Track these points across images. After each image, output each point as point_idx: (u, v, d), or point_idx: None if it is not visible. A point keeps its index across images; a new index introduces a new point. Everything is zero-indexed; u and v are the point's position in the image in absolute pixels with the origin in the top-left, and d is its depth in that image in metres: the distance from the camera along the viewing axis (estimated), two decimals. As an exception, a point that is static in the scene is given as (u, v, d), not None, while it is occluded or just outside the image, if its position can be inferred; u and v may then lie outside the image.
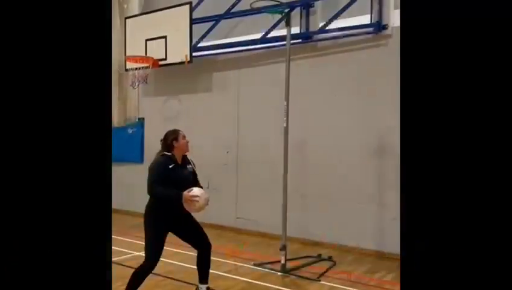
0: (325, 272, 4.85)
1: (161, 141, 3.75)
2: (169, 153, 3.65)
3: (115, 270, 3.11)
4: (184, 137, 3.72)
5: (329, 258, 5.35)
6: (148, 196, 3.63)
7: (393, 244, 5.61)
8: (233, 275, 4.63)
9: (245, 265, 4.91)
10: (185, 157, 3.77)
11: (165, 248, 3.58)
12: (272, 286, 4.39)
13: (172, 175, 3.55)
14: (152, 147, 8.41)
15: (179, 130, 3.77)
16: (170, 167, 3.57)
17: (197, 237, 3.77)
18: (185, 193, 3.46)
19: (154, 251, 3.53)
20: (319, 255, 5.44)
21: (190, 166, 3.76)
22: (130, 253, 5.39)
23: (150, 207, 3.64)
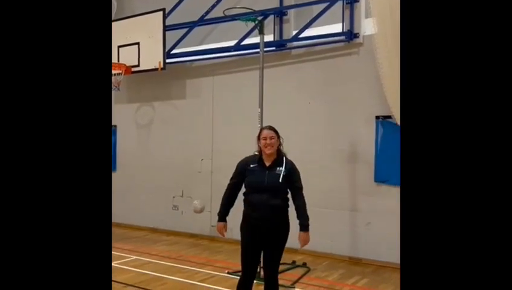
0: (299, 278, 4.86)
1: None
2: (257, 153, 3.38)
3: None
4: (265, 137, 3.28)
5: (304, 265, 5.37)
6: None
7: (366, 249, 5.68)
8: (208, 283, 4.59)
9: (219, 274, 4.87)
10: (278, 159, 3.33)
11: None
12: (247, 293, 4.35)
13: (249, 176, 3.28)
14: (125, 154, 8.36)
15: (265, 128, 3.43)
16: (251, 166, 3.30)
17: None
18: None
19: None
20: (293, 261, 5.45)
21: (281, 168, 3.28)
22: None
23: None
